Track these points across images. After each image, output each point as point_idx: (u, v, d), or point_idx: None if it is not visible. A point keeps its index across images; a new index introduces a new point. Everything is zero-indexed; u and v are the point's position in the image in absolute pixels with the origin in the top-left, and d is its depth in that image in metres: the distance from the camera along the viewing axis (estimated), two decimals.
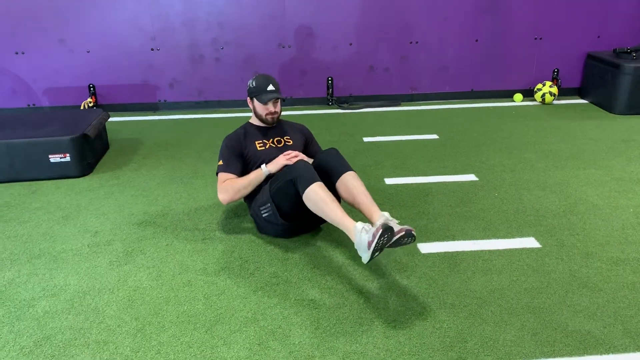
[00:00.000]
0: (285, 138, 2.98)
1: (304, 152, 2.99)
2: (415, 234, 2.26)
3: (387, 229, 2.17)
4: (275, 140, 2.96)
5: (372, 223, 2.43)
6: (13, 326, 2.20)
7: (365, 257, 2.23)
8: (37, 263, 2.66)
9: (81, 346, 2.07)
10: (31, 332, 2.16)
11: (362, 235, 2.23)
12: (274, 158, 2.85)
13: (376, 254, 2.21)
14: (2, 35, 5.05)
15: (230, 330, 2.15)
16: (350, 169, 2.67)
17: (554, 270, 2.50)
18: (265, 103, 2.87)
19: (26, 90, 5.26)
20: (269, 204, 2.69)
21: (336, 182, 2.65)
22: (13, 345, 2.09)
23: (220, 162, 2.86)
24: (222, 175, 2.83)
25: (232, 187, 2.77)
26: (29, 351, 2.06)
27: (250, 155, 2.88)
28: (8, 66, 5.15)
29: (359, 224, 2.29)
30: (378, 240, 2.16)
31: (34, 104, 5.32)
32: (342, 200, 2.67)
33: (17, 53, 5.12)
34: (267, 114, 2.91)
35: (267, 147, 2.91)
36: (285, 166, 2.73)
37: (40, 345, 2.09)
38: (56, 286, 2.47)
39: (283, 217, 2.69)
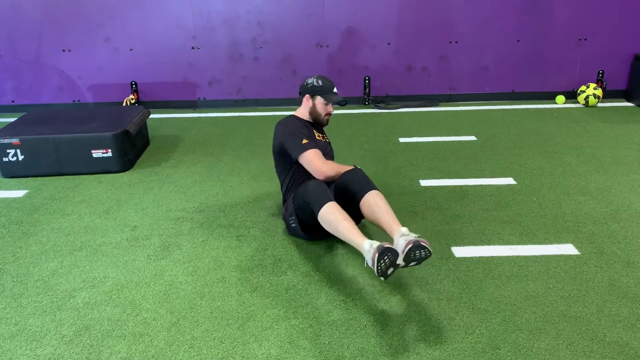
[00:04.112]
0: (324, 136, 3.04)
1: None
2: (427, 246, 2.14)
3: (384, 252, 2.10)
4: (321, 136, 3.00)
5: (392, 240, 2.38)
6: (55, 315, 2.28)
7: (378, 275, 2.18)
8: (79, 255, 2.75)
9: (118, 337, 2.14)
10: (71, 322, 2.24)
11: (368, 256, 2.19)
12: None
13: (389, 271, 2.14)
14: (51, 33, 5.24)
15: (262, 327, 2.18)
16: (375, 188, 2.61)
17: (592, 279, 2.44)
18: (332, 103, 2.90)
19: (71, 87, 5.44)
20: (294, 217, 2.73)
21: (360, 201, 2.60)
22: (54, 334, 2.17)
23: (305, 141, 2.76)
24: (315, 152, 2.75)
25: (337, 170, 2.73)
26: (69, 340, 2.13)
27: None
28: (55, 63, 5.35)
29: (366, 243, 2.23)
30: (378, 264, 2.11)
31: (78, 100, 5.50)
32: (365, 219, 2.64)
33: (64, 50, 5.30)
34: (326, 114, 2.94)
35: (321, 139, 2.96)
36: (304, 183, 2.69)
37: (80, 334, 2.16)
38: (96, 278, 2.55)
39: (305, 231, 2.74)
